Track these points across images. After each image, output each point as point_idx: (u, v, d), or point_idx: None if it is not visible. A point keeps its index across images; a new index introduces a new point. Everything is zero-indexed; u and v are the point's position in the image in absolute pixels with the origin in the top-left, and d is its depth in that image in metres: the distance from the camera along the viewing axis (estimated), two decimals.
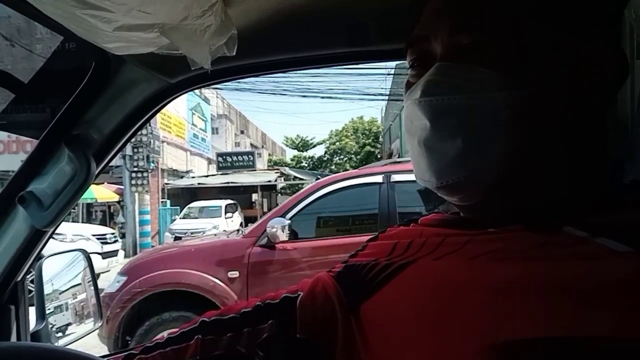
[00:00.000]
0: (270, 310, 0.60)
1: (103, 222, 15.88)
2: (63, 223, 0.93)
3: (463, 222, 0.53)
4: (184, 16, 0.65)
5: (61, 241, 8.02)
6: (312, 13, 0.76)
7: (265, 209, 22.75)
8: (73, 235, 8.55)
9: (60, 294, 1.19)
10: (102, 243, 8.96)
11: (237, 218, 17.15)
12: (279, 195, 30.04)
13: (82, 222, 14.83)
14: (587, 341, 0.36)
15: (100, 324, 1.18)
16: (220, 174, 20.78)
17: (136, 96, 0.87)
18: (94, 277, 1.22)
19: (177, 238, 12.46)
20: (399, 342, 0.48)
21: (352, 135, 38.97)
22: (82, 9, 0.55)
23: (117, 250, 9.54)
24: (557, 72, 0.45)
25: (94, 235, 9.02)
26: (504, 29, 0.45)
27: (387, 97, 21.93)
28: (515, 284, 0.42)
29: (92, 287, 1.25)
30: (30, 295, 0.99)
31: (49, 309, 1.04)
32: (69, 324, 1.15)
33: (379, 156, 35.48)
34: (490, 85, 0.44)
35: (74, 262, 1.23)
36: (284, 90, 16.28)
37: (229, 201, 17.03)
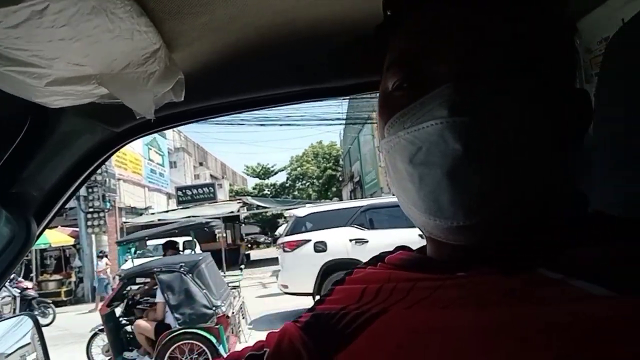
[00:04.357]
0: None
1: (58, 268, 15.06)
2: None
3: (430, 263, 0.51)
4: (123, 65, 0.62)
5: None
6: (260, 54, 0.74)
7: (229, 241, 22.36)
8: None
9: (6, 357, 1.11)
10: None
11: None
12: (243, 225, 29.67)
13: (36, 269, 14.12)
14: None
15: None
16: (181, 208, 20.27)
17: (79, 148, 0.82)
18: (44, 342, 1.13)
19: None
20: None
21: (312, 160, 39.22)
22: (6, 66, 0.51)
23: None
24: (557, 97, 0.44)
25: None
26: (526, 47, 0.43)
27: (344, 121, 22.23)
28: (492, 331, 0.40)
29: (41, 349, 1.16)
30: None
31: None
32: None
33: (340, 179, 35.78)
34: (522, 108, 0.41)
35: (19, 327, 1.14)
36: (242, 120, 16.27)
37: (187, 238, 16.51)
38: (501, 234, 0.43)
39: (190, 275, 5.60)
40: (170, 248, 7.63)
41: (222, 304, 5.66)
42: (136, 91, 0.65)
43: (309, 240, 7.54)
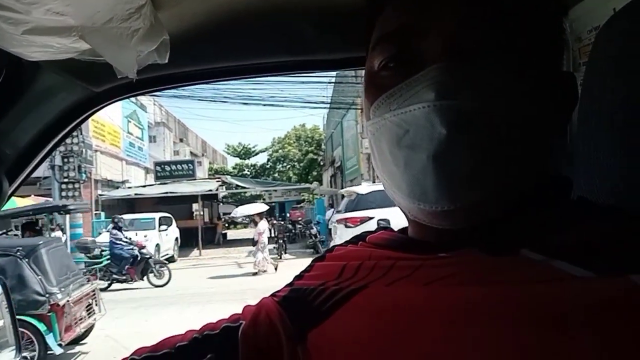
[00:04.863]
0: (209, 343, 0.55)
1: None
2: None
3: (412, 244, 0.50)
4: (107, 18, 0.59)
5: None
6: (250, 20, 0.72)
7: (207, 219, 22.23)
8: None
9: None
10: None
11: (172, 232, 16.35)
12: (221, 204, 29.50)
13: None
14: None
15: (19, 358, 1.07)
16: (159, 184, 20.03)
17: (56, 106, 0.79)
18: (11, 305, 1.11)
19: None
20: None
21: (294, 142, 39.09)
22: None
23: None
24: (544, 79, 0.44)
25: None
26: (517, 26, 0.42)
27: (328, 105, 22.14)
28: (474, 309, 0.40)
29: (9, 315, 1.14)
30: None
31: None
32: None
33: (321, 163, 35.78)
34: (511, 90, 0.41)
35: None
36: (225, 97, 16.03)
37: (163, 214, 16.22)
38: (485, 218, 0.43)
39: (27, 259, 5.38)
40: (28, 230, 7.31)
41: (59, 292, 5.45)
42: (119, 47, 0.63)
43: (372, 218, 7.58)
